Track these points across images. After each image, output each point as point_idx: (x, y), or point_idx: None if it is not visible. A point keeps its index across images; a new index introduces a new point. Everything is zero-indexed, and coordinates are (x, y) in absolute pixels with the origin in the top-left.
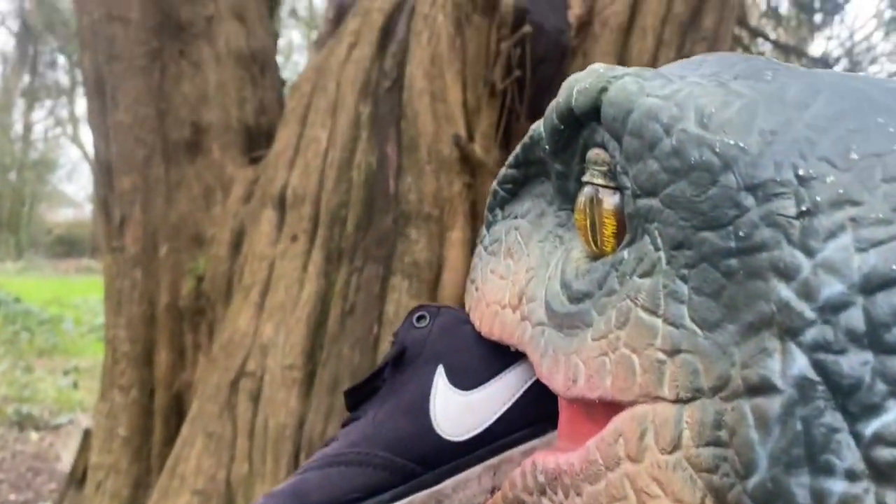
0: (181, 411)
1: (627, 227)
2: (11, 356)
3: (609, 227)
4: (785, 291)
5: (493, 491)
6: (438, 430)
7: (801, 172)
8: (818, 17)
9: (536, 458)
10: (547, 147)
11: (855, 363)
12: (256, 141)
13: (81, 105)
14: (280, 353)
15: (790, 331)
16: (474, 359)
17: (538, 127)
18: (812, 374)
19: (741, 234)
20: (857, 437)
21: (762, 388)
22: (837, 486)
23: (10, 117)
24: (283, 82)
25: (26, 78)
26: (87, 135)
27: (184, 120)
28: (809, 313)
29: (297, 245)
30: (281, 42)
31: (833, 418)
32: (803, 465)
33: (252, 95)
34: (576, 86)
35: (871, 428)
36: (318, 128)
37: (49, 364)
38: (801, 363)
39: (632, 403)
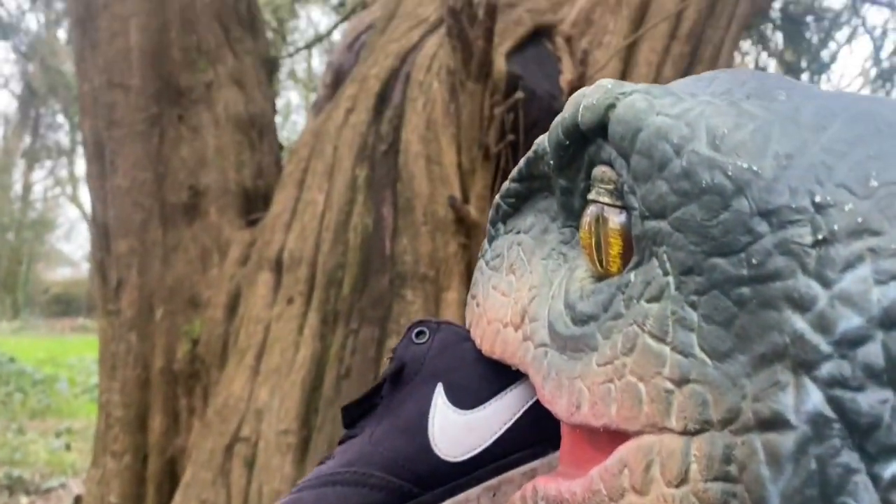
0: (174, 477)
1: (634, 248)
2: (4, 418)
3: (615, 247)
4: (799, 323)
5: None
6: (437, 450)
7: (817, 199)
8: (805, 77)
9: (538, 484)
10: (551, 162)
11: (873, 401)
12: (254, 204)
13: (81, 165)
14: (275, 417)
15: (804, 364)
16: (474, 377)
17: (542, 141)
18: (827, 411)
19: (754, 261)
20: (875, 479)
21: (774, 422)
22: None
23: (11, 178)
24: (280, 146)
25: (27, 139)
26: (86, 195)
27: (182, 183)
28: (825, 347)
29: (293, 307)
30: (279, 102)
31: (850, 458)
32: None
33: (250, 159)
34: (582, 101)
35: (890, 470)
36: (315, 191)
37: (42, 426)
38: (815, 399)
39: (637, 433)
